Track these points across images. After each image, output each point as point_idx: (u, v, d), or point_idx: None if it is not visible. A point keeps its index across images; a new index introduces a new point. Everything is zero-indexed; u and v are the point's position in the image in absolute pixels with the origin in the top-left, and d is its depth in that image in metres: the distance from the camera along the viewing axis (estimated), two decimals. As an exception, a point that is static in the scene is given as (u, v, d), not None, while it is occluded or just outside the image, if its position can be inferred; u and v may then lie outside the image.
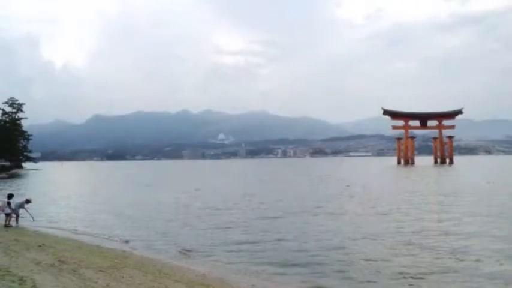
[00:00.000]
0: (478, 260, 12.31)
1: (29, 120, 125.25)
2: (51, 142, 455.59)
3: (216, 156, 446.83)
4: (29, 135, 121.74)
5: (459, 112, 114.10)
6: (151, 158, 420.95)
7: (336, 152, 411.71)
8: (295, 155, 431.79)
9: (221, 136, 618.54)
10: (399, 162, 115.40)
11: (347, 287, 10.55)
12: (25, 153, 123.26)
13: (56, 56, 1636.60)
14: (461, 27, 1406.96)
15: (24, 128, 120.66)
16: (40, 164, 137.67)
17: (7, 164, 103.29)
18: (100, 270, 10.15)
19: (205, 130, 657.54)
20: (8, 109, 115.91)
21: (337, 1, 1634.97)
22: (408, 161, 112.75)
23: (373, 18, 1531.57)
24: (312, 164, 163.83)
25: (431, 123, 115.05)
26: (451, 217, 20.41)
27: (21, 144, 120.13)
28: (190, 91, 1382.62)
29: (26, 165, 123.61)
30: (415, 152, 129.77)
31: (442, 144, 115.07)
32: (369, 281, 10.78)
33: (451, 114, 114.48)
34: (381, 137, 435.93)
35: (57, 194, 38.29)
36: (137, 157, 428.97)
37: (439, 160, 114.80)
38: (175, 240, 16.41)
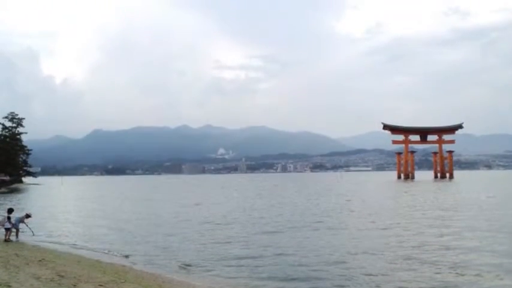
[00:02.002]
0: (478, 275, 12.29)
1: (29, 135, 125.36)
2: (51, 157, 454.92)
3: (216, 171, 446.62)
4: (29, 150, 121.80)
5: (459, 127, 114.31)
6: (152, 173, 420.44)
7: (336, 167, 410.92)
8: (295, 170, 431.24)
9: (221, 151, 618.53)
10: (399, 177, 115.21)
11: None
12: (25, 168, 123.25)
13: (56, 71, 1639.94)
14: (462, 42, 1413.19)
15: (24, 143, 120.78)
16: (40, 179, 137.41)
17: (7, 178, 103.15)
18: (100, 285, 10.14)
19: (205, 145, 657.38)
20: (8, 124, 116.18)
21: (337, 16, 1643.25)
22: (408, 176, 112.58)
23: (373, 33, 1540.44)
24: (312, 178, 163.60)
25: (432, 137, 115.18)
26: (451, 232, 20.40)
27: (21, 159, 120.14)
28: (190, 106, 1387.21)
29: (26, 180, 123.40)
30: (415, 167, 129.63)
31: (442, 158, 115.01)
32: (369, 296, 10.77)
33: (451, 129, 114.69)
34: (381, 151, 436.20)
35: (57, 209, 38.27)
36: (137, 172, 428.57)
37: (439, 175, 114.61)
38: (175, 254, 16.38)
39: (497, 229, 20.91)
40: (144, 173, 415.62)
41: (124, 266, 14.27)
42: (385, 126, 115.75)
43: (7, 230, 17.90)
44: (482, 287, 11.21)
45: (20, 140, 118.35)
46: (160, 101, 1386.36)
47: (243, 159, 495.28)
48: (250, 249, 17.01)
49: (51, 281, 10.25)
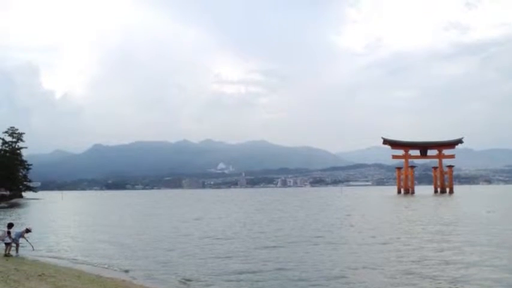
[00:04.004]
0: (478, 290, 12.32)
1: (29, 150, 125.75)
2: (51, 171, 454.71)
3: (216, 186, 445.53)
4: (29, 165, 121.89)
5: (459, 141, 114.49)
6: (152, 188, 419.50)
7: (336, 182, 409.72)
8: (295, 185, 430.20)
9: (221, 165, 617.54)
10: (399, 192, 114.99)
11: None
12: (25, 183, 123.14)
13: (56, 85, 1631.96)
14: (461, 56, 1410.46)
15: (24, 158, 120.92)
16: (40, 194, 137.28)
17: (7, 193, 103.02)
18: (100, 299, 10.17)
19: (205, 159, 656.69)
20: (8, 138, 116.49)
21: (337, 30, 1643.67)
22: (408, 191, 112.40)
23: (373, 48, 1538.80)
24: (312, 193, 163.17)
25: (431, 152, 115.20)
26: (451, 246, 20.40)
27: (21, 174, 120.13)
28: (190, 120, 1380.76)
29: (26, 194, 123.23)
30: (415, 182, 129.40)
31: (442, 173, 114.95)
32: (369, 311, 10.77)
33: (451, 144, 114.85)
34: (381, 166, 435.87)
35: (57, 224, 38.22)
36: (137, 187, 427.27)
37: (439, 189, 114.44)
38: (175, 269, 16.37)
39: (498, 244, 20.92)
40: (144, 188, 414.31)
41: (124, 280, 14.27)
42: (385, 141, 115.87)
43: (7, 244, 17.88)
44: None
45: (20, 154, 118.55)
46: (160, 115, 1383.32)
47: (243, 173, 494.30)
48: (250, 264, 17.01)
49: (51, 295, 10.28)
